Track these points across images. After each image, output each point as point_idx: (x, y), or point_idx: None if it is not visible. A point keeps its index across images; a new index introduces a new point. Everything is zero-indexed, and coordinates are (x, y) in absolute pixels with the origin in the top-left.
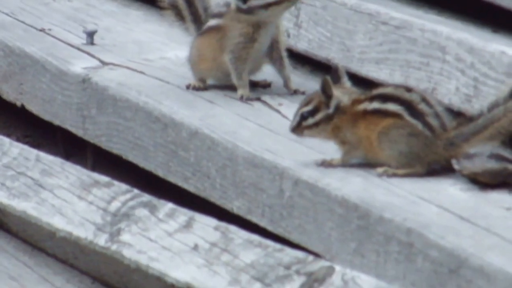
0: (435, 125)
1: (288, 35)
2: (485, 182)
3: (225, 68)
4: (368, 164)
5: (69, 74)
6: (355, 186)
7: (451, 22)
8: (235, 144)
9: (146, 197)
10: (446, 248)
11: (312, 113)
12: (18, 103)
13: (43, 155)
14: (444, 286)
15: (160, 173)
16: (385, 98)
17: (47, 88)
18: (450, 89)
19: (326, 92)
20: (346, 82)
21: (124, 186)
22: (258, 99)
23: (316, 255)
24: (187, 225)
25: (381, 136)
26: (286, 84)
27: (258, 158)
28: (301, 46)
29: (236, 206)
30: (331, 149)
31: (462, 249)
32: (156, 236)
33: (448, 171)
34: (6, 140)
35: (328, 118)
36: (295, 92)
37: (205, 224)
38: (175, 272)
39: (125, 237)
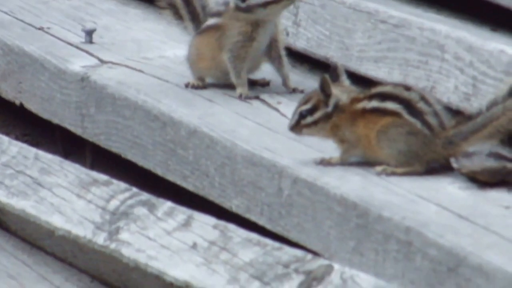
0: (434, 124)
1: (287, 34)
2: (484, 180)
3: (223, 67)
4: (367, 163)
5: (68, 73)
6: (354, 184)
7: (450, 20)
8: (234, 142)
9: (145, 196)
10: (445, 246)
11: (311, 111)
12: (17, 102)
13: (42, 153)
14: (443, 284)
15: (159, 171)
16: (384, 96)
17: (46, 86)
18: (449, 88)
19: (325, 90)
20: (345, 81)
21: (123, 185)
22: (257, 97)
23: (315, 253)
24: (186, 224)
25: (380, 135)
26: (284, 82)
27: (256, 157)
28: (300, 44)
29: (235, 204)
30: (330, 148)
31: (461, 248)
32: (155, 234)
33: (447, 170)
34: (5, 138)
35: (327, 117)
36: (294, 90)
37: (204, 222)
38: (173, 270)
39: (124, 235)
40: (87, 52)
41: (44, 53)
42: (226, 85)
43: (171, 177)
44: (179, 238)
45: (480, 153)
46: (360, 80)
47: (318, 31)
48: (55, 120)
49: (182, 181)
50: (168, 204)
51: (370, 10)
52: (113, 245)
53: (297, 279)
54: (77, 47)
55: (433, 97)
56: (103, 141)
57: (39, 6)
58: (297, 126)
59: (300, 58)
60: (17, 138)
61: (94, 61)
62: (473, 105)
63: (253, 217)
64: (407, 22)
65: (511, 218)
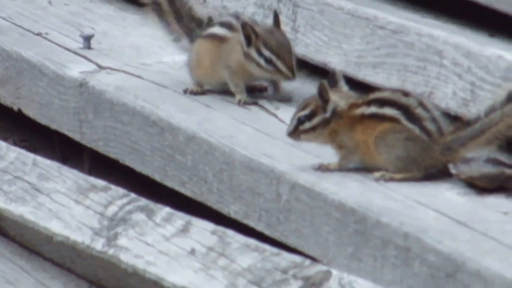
0: (432, 130)
1: None
2: (482, 186)
3: (221, 77)
4: (365, 169)
5: (66, 78)
6: (352, 190)
7: (448, 26)
8: (232, 148)
9: (143, 202)
10: (443, 252)
11: (309, 117)
12: (15, 107)
13: (40, 159)
14: None
15: (157, 177)
16: (382, 102)
17: (44, 92)
18: (447, 93)
19: (323, 96)
20: (344, 86)
21: (121, 191)
22: (255, 103)
23: (313, 259)
24: (184, 230)
25: (378, 141)
26: (275, 89)
27: (255, 162)
28: (298, 50)
29: (233, 210)
30: (328, 154)
31: (459, 253)
32: (153, 240)
33: (445, 176)
34: (3, 144)
35: (325, 122)
36: (283, 98)
37: (202, 228)
38: (172, 276)
39: (122, 241)
40: (85, 57)
41: (42, 58)
42: (224, 91)
43: (169, 183)
44: (178, 243)
45: (478, 159)
46: (358, 86)
47: (316, 37)
48: (53, 126)
49: (180, 187)
50: (166, 210)
51: (369, 16)
52: (111, 251)
53: (295, 285)
54: (75, 53)
55: (431, 103)
56: (101, 147)
57: (38, 12)
58: (295, 132)
59: (299, 64)
60: (15, 143)
61: (92, 66)
62: (471, 111)
63: (251, 223)
64: (405, 28)
65: (510, 224)
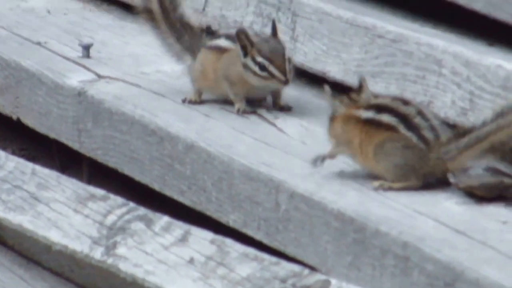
0: (430, 138)
1: None
2: (481, 195)
3: (223, 89)
4: (364, 178)
5: (65, 88)
6: (351, 199)
7: (447, 35)
8: (231, 157)
9: (142, 211)
10: (442, 261)
11: None
12: (14, 116)
13: (39, 168)
14: None
15: (156, 186)
16: (380, 109)
17: (43, 101)
18: (446, 102)
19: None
20: (367, 90)
21: (120, 200)
22: (254, 112)
23: (312, 268)
24: (183, 239)
25: (376, 149)
26: (274, 100)
27: (254, 172)
28: (297, 59)
29: (232, 219)
30: (327, 163)
31: (458, 263)
32: (152, 249)
33: (444, 185)
34: (2, 153)
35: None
36: (282, 108)
37: (201, 237)
38: (171, 285)
39: (121, 250)
40: (84, 66)
41: (41, 67)
42: (223, 100)
43: (168, 192)
44: (176, 253)
45: (477, 168)
46: None
47: (315, 46)
48: (52, 135)
49: (179, 196)
50: (165, 219)
51: (367, 25)
52: (110, 260)
53: None
54: (74, 62)
55: (430, 112)
56: (100, 156)
57: (36, 21)
58: None
59: (297, 73)
60: (14, 152)
61: (91, 75)
62: (470, 120)
63: (250, 232)
64: (404, 37)
65: (508, 233)
